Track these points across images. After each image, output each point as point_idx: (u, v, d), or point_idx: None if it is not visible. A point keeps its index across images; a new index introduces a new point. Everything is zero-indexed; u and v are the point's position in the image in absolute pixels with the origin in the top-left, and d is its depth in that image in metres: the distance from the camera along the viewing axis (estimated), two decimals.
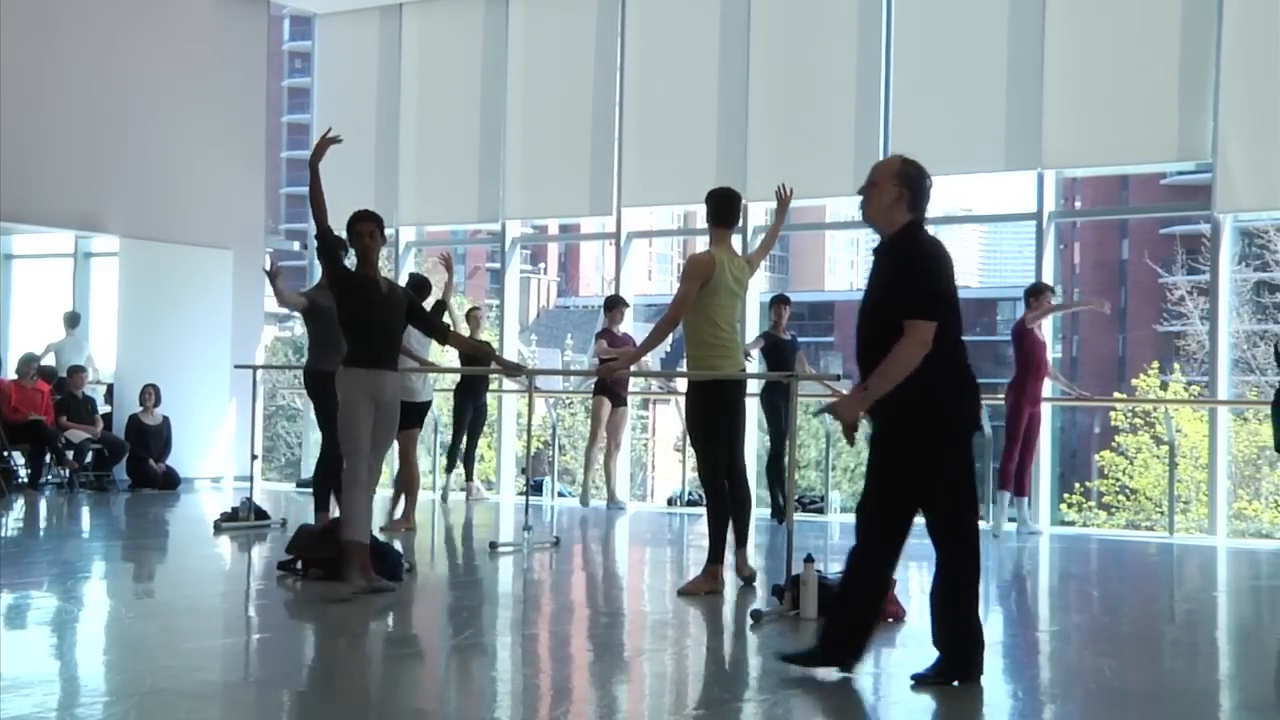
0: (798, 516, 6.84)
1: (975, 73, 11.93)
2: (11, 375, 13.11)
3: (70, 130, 13.14)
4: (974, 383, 5.01)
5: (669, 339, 7.79)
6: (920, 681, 5.03)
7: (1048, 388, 10.83)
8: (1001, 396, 10.63)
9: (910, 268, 4.87)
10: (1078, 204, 31.03)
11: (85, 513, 11.41)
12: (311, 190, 7.25)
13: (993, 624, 7.15)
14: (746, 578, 7.29)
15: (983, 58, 11.89)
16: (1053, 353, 10.82)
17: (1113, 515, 24.70)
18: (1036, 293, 10.47)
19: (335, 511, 8.10)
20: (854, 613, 5.09)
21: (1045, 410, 10.90)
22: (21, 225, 13.66)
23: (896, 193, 5.04)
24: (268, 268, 8.80)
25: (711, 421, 7.09)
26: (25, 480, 12.66)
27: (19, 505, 11.55)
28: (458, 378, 12.47)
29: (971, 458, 5.05)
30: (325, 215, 7.18)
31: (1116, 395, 30.16)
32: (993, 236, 68.06)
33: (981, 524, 11.01)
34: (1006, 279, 56.45)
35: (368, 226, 7.10)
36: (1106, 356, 41.88)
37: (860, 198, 5.14)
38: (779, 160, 12.61)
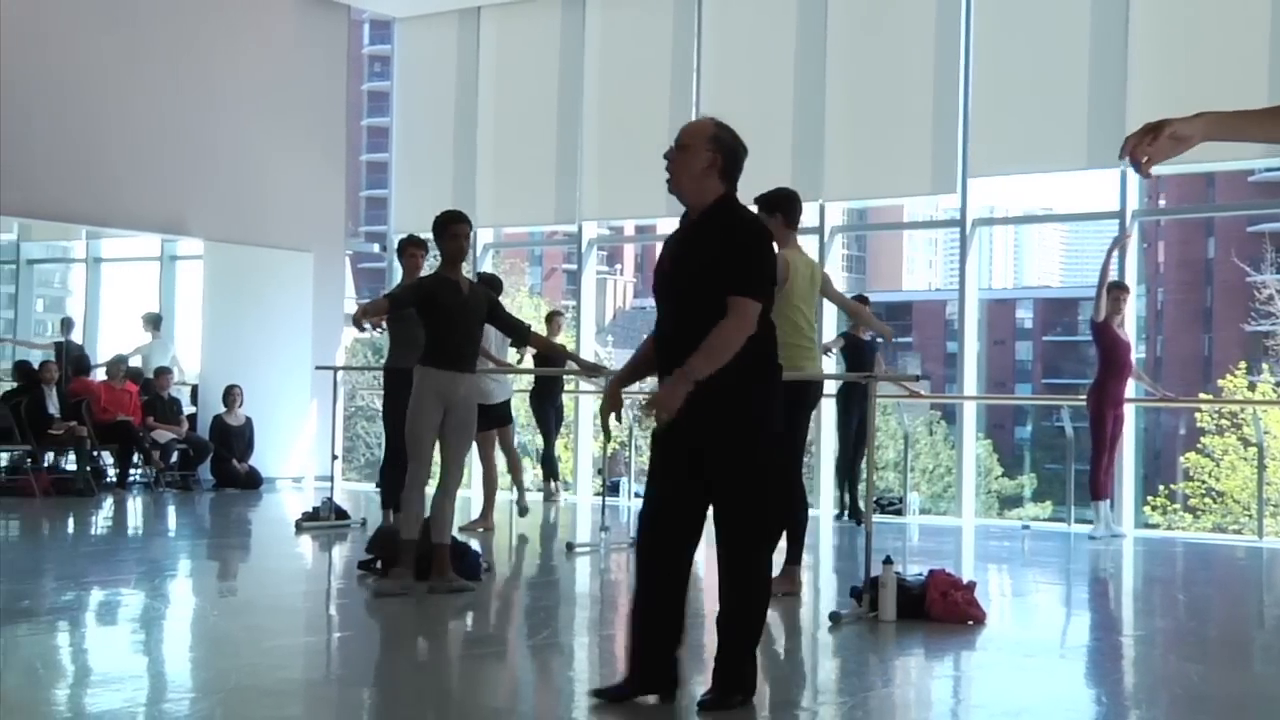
0: (875, 518, 6.77)
1: (1057, 68, 11.77)
2: (101, 376, 13.38)
3: (156, 136, 13.37)
4: (780, 379, 4.54)
5: None
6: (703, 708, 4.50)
7: (1131, 388, 10.66)
8: (1084, 398, 10.49)
9: (736, 241, 4.40)
10: (1162, 202, 30.58)
11: (171, 512, 11.61)
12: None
13: (1076, 628, 7.07)
14: (786, 593, 6.84)
15: (1064, 52, 11.73)
16: (1136, 353, 10.64)
17: (1199, 518, 24.28)
18: (1114, 290, 10.25)
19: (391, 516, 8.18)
20: (660, 630, 4.57)
21: (1129, 411, 10.73)
22: (110, 229, 13.94)
23: (710, 158, 4.51)
24: (357, 323, 8.02)
25: (790, 423, 7.05)
26: (114, 479, 12.91)
27: (107, 504, 11.78)
28: (532, 383, 12.53)
29: (780, 458, 4.70)
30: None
31: (1202, 396, 29.61)
32: (1074, 235, 67.10)
33: (1078, 528, 10.95)
34: (1088, 278, 55.71)
35: (462, 229, 7.10)
36: (1191, 356, 41.16)
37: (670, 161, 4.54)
38: (855, 160, 12.55)
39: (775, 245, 7.01)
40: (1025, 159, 12.07)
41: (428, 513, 6.98)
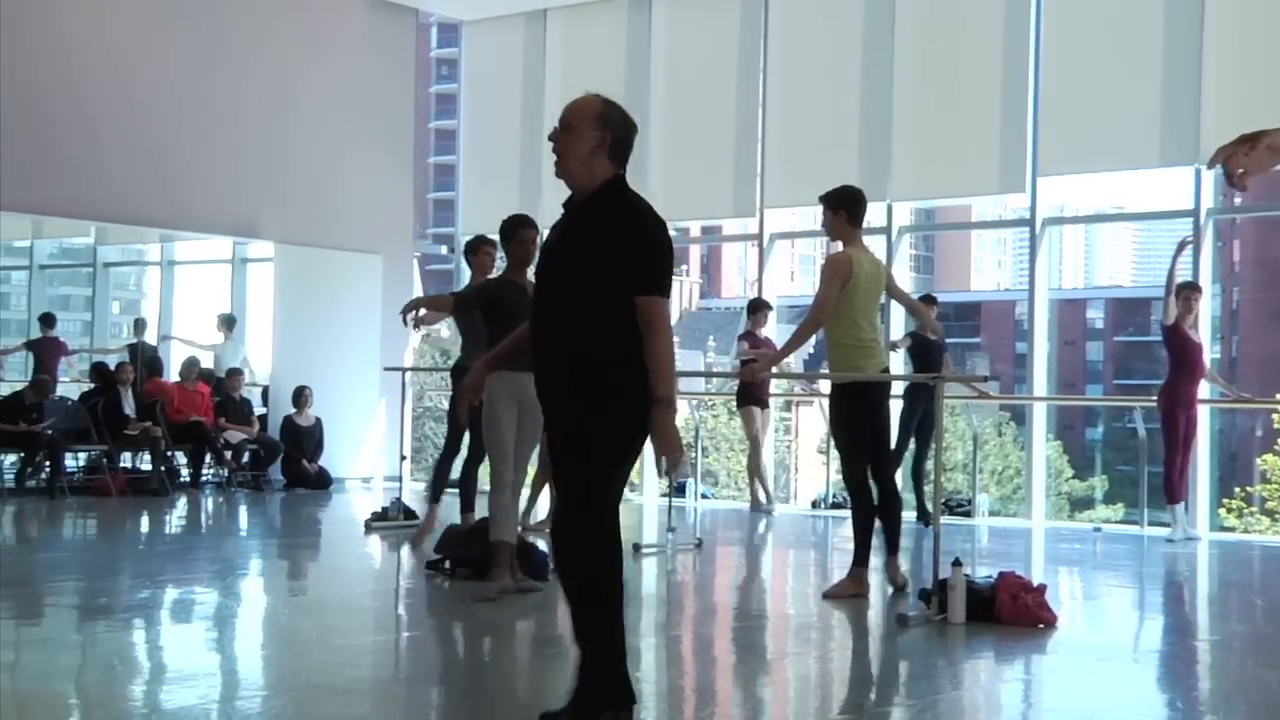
0: (944, 520, 6.72)
1: (1129, 63, 11.61)
2: (175, 378, 13.58)
3: (228, 139, 13.55)
4: (638, 390, 4.04)
5: (811, 341, 7.73)
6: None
7: (1205, 389, 10.49)
8: (1155, 399, 10.34)
9: (634, 231, 4.02)
10: (1238, 200, 30.01)
11: (242, 511, 11.76)
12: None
13: (1150, 632, 6.97)
14: (899, 586, 7.10)
15: (1137, 46, 11.56)
16: (1210, 354, 10.46)
17: (1277, 521, 23.86)
18: (1184, 291, 10.08)
19: (478, 513, 8.23)
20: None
21: (1202, 413, 10.56)
22: (183, 232, 14.14)
23: (597, 138, 4.14)
24: (404, 312, 7.94)
25: (854, 423, 7.03)
26: (187, 479, 13.10)
27: (181, 503, 11.95)
28: None
29: (626, 472, 4.20)
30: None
31: (1279, 396, 29.08)
32: (1146, 234, 66.17)
33: (1151, 531, 10.79)
34: (1161, 278, 54.86)
35: (530, 233, 7.14)
36: (1268, 357, 40.41)
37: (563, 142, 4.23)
38: (923, 159, 12.46)
39: (841, 244, 7.08)
40: (1096, 157, 11.91)
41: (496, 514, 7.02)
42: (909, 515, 11.31)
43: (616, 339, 3.99)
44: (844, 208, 7.03)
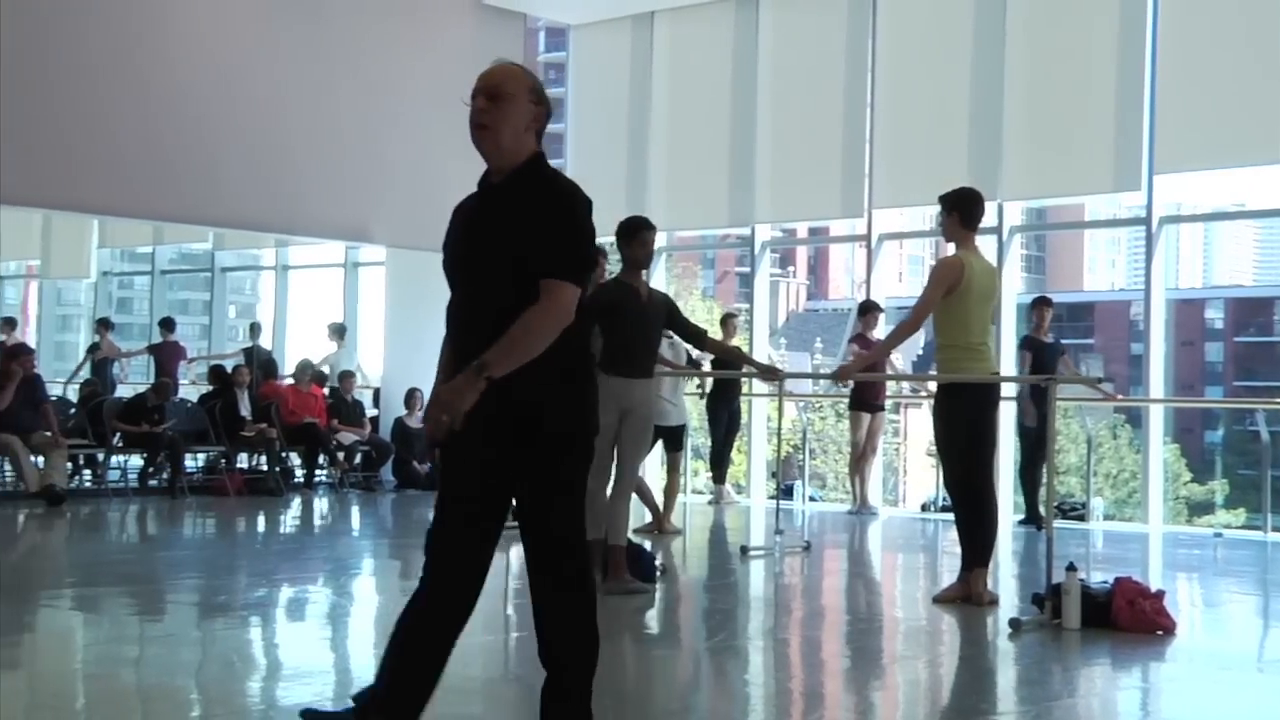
0: (1057, 524, 6.61)
1: (1249, 57, 11.30)
2: (290, 380, 13.85)
3: (339, 145, 13.78)
4: (594, 382, 3.75)
5: (909, 340, 7.63)
6: None
7: None
8: None
9: (551, 211, 3.62)
10: None
11: (355, 511, 11.95)
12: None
13: (1274, 640, 6.79)
14: (984, 603, 6.75)
15: (1257, 40, 11.25)
16: None
17: None
18: None
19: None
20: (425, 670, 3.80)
21: None
22: (297, 237, 14.41)
23: (534, 112, 3.75)
24: None
25: (961, 427, 6.93)
26: (301, 480, 13.34)
27: (295, 503, 12.18)
28: (709, 385, 12.57)
29: (584, 473, 3.76)
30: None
31: None
32: (1268, 232, 64.39)
33: (1276, 537, 10.50)
34: None
35: (651, 235, 7.15)
36: None
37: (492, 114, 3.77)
38: (1034, 158, 12.26)
39: (954, 246, 6.99)
40: (1216, 153, 11.61)
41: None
42: (1021, 518, 11.16)
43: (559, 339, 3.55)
44: (958, 209, 6.94)
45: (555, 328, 3.52)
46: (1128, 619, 6.05)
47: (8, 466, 11.47)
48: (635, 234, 7.09)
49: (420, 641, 3.76)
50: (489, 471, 3.62)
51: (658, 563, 7.63)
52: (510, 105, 3.72)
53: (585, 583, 3.86)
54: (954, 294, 6.79)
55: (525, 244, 3.56)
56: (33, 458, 11.17)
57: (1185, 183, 11.98)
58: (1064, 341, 11.19)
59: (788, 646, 6.14)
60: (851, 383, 11.43)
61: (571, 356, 3.62)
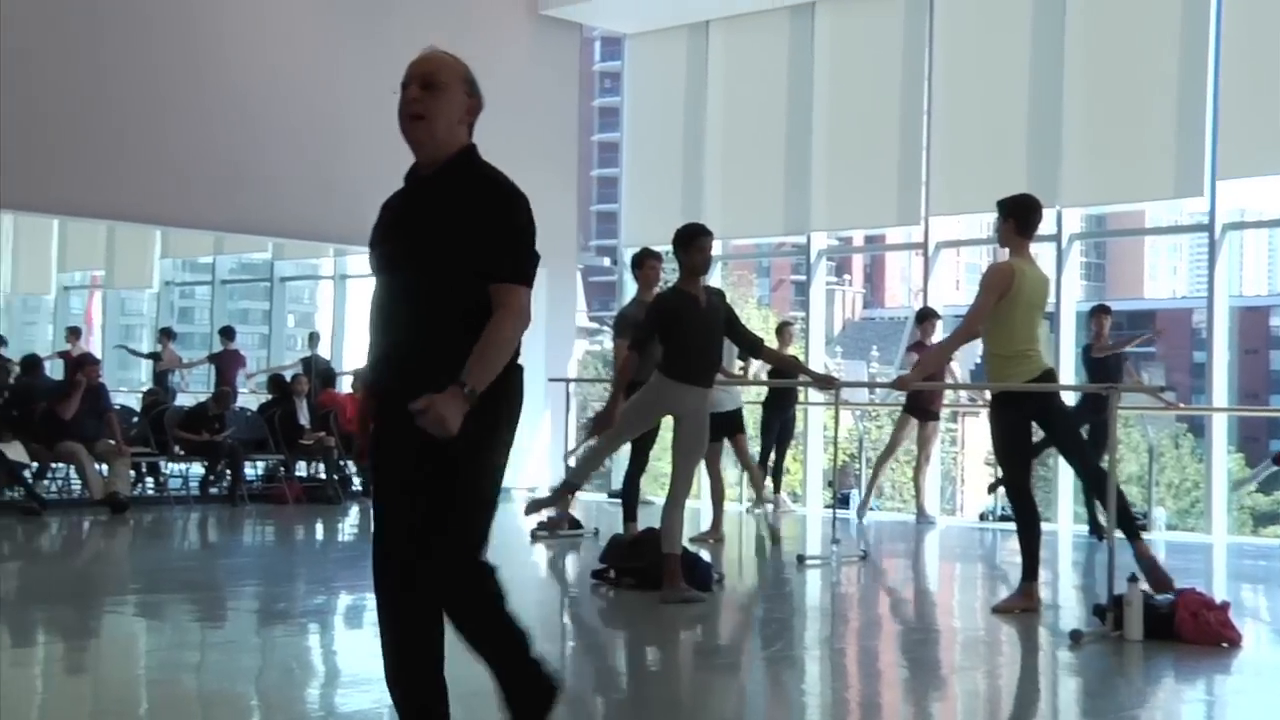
0: (1119, 534, 6.53)
1: None
2: (348, 389, 13.95)
3: (397, 153, 13.82)
4: (519, 380, 3.59)
5: (967, 348, 7.59)
6: None
7: None
8: None
9: (496, 211, 3.50)
10: None
11: None
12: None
13: None
14: (1024, 609, 6.75)
15: None
16: None
17: None
18: None
19: (641, 523, 8.30)
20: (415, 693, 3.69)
21: None
22: (355, 246, 14.52)
23: (467, 104, 3.68)
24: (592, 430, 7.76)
25: (1016, 436, 6.87)
26: (359, 488, 13.43)
27: (354, 511, 12.26)
28: (764, 393, 12.54)
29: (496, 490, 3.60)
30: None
31: None
32: None
33: None
34: None
35: (708, 242, 7.16)
36: None
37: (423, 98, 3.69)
38: (1094, 164, 12.14)
39: (1007, 253, 6.93)
40: None
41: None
42: (1082, 529, 11.04)
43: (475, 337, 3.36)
44: (1014, 216, 6.89)
45: (519, 332, 3.45)
46: (1192, 631, 5.96)
47: (73, 474, 11.63)
48: (692, 241, 7.08)
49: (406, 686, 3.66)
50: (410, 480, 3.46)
51: (716, 573, 7.61)
52: (445, 95, 3.62)
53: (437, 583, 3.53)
54: (1004, 301, 6.74)
55: (459, 239, 3.42)
56: (97, 466, 11.33)
57: (1249, 188, 11.82)
58: (1124, 350, 11.04)
59: (844, 656, 6.11)
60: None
61: (512, 370, 3.50)
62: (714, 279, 14.83)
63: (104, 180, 12.11)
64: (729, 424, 10.26)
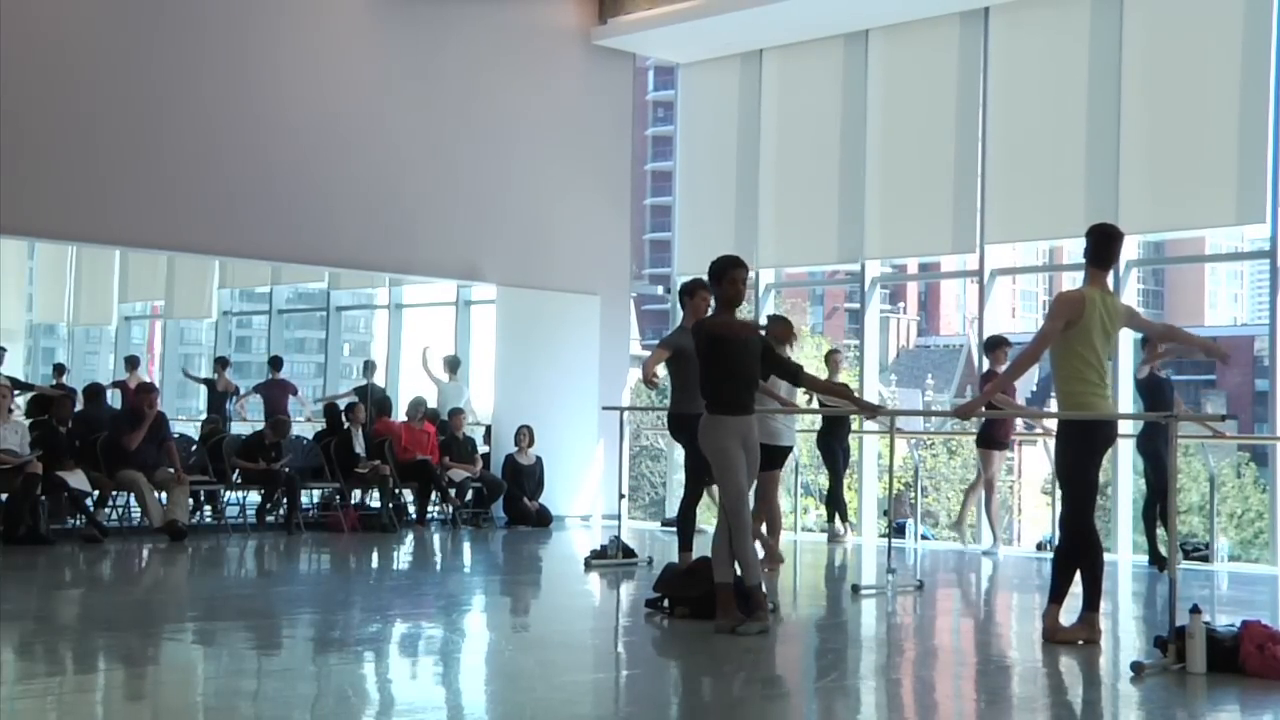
0: (1180, 565, 6.43)
1: None
2: (403, 418, 14.03)
3: (452, 185, 14.00)
4: None
5: (1034, 380, 7.53)
6: None
7: None
8: None
9: None
10: None
11: (466, 548, 12.04)
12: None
13: None
14: (1086, 640, 6.74)
15: None
16: None
17: None
18: None
19: (695, 552, 8.27)
20: None
21: None
22: (410, 276, 14.64)
23: None
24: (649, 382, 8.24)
25: (1081, 464, 6.79)
26: (413, 516, 13.49)
27: (408, 540, 12.30)
28: (818, 422, 12.47)
29: None
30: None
31: None
32: None
33: None
34: None
35: (741, 273, 7.16)
36: None
37: None
38: (1153, 192, 12.02)
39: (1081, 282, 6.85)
40: None
41: (712, 553, 7.03)
42: (1142, 559, 10.89)
43: None
44: (1089, 244, 6.90)
45: None
46: (1257, 664, 5.86)
47: (133, 502, 11.76)
48: (724, 273, 7.10)
49: None
50: None
51: (770, 603, 7.56)
52: None
53: None
54: (1073, 329, 6.69)
55: None
56: (157, 494, 11.45)
57: None
58: (1183, 378, 10.91)
59: (900, 687, 6.05)
60: (979, 420, 11.29)
61: None
62: (768, 308, 14.85)
63: (164, 212, 12.31)
64: (782, 457, 10.21)
